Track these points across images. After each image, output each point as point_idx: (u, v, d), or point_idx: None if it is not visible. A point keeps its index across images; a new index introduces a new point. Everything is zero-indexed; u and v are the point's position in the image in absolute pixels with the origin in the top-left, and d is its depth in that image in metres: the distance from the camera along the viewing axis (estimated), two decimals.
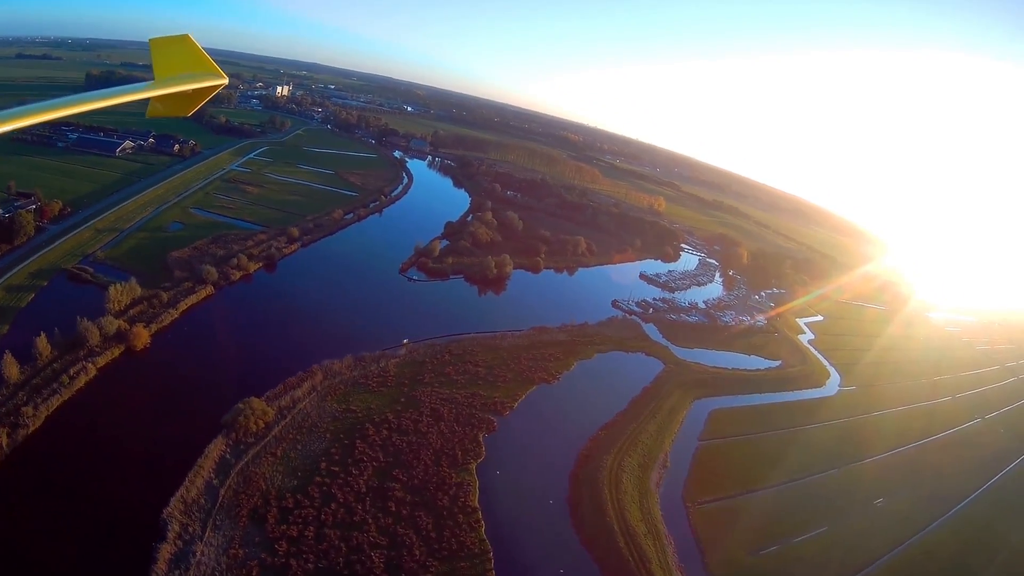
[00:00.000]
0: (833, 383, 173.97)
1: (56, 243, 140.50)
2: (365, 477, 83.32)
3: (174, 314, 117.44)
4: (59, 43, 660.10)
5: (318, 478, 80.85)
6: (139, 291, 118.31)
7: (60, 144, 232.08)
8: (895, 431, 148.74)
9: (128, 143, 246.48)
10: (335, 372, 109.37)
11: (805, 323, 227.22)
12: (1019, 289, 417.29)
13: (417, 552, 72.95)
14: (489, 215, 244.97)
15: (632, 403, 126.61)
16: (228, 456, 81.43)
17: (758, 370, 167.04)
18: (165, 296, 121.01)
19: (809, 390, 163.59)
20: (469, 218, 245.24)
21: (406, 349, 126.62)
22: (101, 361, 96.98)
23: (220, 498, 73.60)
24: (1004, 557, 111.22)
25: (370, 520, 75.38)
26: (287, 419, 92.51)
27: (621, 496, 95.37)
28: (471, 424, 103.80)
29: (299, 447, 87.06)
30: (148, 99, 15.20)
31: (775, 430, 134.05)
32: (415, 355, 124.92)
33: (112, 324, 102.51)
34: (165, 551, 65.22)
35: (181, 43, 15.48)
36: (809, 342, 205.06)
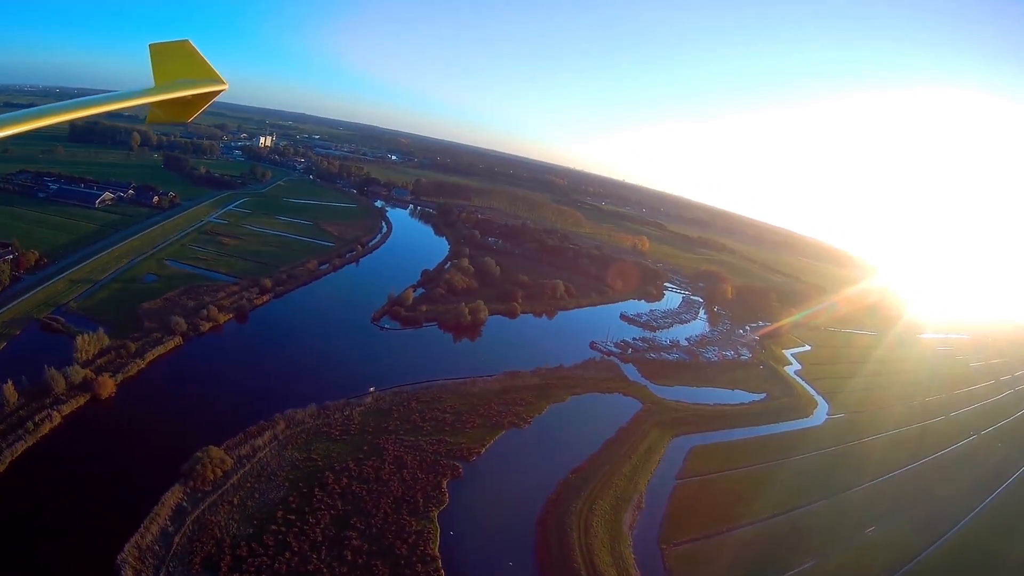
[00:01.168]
0: (821, 412, 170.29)
1: (30, 293, 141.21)
2: (322, 526, 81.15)
3: (141, 364, 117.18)
4: (47, 92, 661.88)
5: (274, 526, 79.17)
6: (107, 341, 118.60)
7: (41, 194, 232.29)
8: (886, 456, 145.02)
9: (108, 195, 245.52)
10: (298, 421, 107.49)
11: (792, 354, 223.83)
12: (1009, 303, 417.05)
13: None
14: (465, 262, 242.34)
15: (606, 445, 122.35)
16: (185, 504, 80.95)
17: (741, 404, 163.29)
18: (133, 346, 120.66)
19: (795, 421, 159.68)
20: (447, 266, 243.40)
21: (372, 397, 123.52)
22: (66, 409, 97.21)
23: (174, 545, 73.07)
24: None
25: (325, 569, 73.56)
26: (246, 467, 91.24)
27: (591, 540, 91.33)
28: (435, 471, 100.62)
29: (256, 495, 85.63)
30: (149, 107, 15.20)
31: (758, 464, 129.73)
32: (381, 403, 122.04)
33: (78, 373, 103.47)
34: None
35: (181, 48, 15.49)
36: (796, 373, 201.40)
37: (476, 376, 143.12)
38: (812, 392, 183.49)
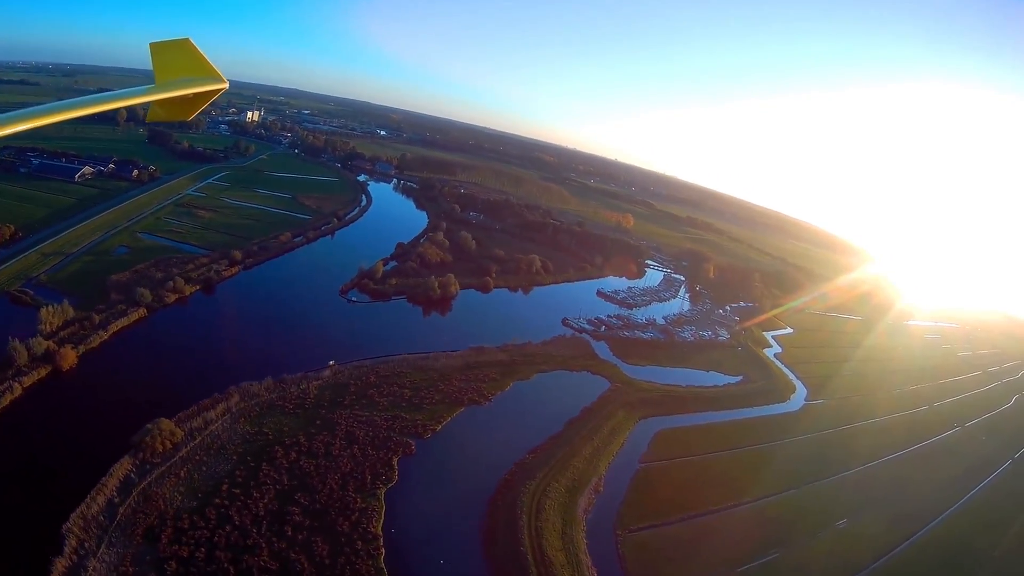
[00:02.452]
0: (799, 397, 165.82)
1: (2, 267, 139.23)
2: (265, 500, 79.63)
3: (104, 335, 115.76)
4: (39, 68, 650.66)
5: (217, 500, 78.09)
6: (72, 313, 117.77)
7: (22, 169, 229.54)
8: (864, 445, 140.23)
9: (87, 169, 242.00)
10: (253, 394, 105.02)
11: (772, 336, 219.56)
12: (1001, 294, 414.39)
13: None
14: (440, 235, 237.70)
15: (569, 425, 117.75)
16: (133, 475, 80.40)
17: (715, 386, 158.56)
18: (97, 318, 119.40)
19: (771, 406, 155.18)
20: (422, 239, 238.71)
21: (331, 371, 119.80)
22: (27, 381, 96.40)
23: (119, 516, 72.87)
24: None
25: (263, 544, 72.16)
26: (196, 440, 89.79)
27: (541, 524, 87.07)
28: (387, 448, 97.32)
29: (204, 468, 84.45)
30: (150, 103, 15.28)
31: (728, 450, 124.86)
32: (340, 377, 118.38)
33: (41, 345, 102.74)
34: (60, 565, 65.17)
35: (181, 47, 15.66)
36: (776, 356, 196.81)
37: (440, 351, 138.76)
38: (791, 376, 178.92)
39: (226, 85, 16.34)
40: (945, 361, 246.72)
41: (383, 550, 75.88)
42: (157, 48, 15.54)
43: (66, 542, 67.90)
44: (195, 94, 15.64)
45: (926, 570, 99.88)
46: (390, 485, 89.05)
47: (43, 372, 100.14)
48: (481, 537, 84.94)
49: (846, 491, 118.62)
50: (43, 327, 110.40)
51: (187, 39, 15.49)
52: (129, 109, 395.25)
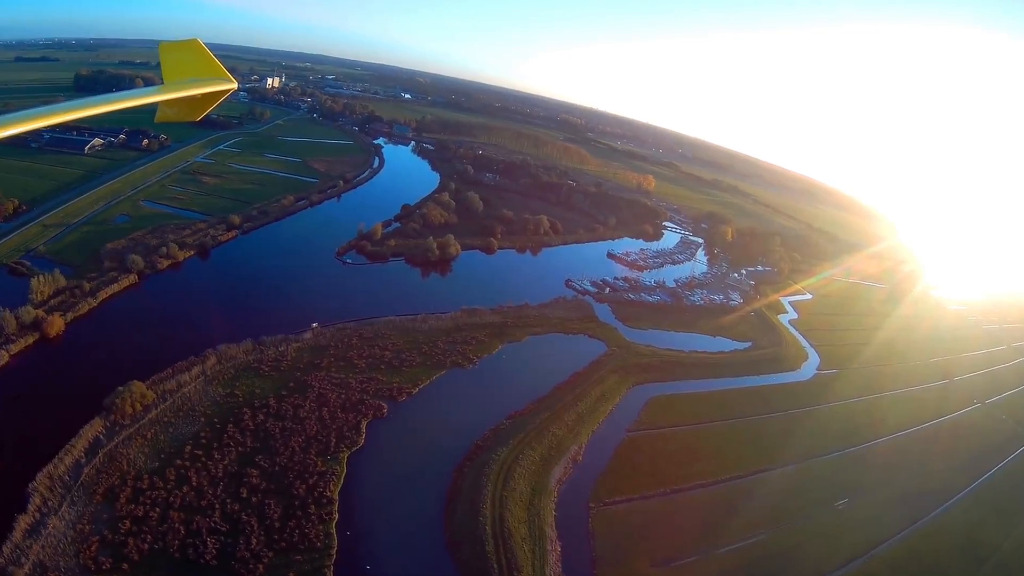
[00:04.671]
0: (810, 366, 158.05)
1: (3, 240, 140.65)
2: (226, 462, 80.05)
3: (92, 303, 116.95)
4: (62, 44, 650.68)
5: (179, 461, 78.96)
6: (63, 282, 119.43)
7: (33, 144, 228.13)
8: (874, 420, 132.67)
9: (97, 140, 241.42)
10: (230, 356, 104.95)
11: (789, 301, 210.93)
12: None
13: (254, 541, 68.99)
14: (446, 196, 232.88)
15: (555, 390, 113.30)
16: (102, 437, 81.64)
17: (721, 352, 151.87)
18: (88, 286, 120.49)
19: (779, 374, 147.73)
20: (428, 201, 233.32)
21: (312, 333, 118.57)
22: (15, 348, 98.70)
23: (83, 476, 74.38)
24: (990, 569, 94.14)
25: (217, 505, 72.77)
26: (167, 402, 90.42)
27: (507, 493, 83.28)
28: (357, 411, 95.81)
29: (171, 430, 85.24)
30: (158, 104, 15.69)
31: (725, 420, 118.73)
32: (321, 339, 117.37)
33: (30, 314, 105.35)
34: (23, 522, 67.14)
35: (190, 48, 16.09)
36: (790, 322, 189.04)
37: (429, 313, 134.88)
38: (804, 344, 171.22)
39: (235, 85, 16.19)
40: (971, 334, 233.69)
41: (336, 515, 74.70)
42: (166, 48, 15.79)
43: (31, 500, 69.55)
44: (204, 94, 15.63)
45: (931, 558, 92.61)
46: (355, 449, 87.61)
47: (31, 340, 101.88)
48: (442, 505, 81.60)
49: (849, 469, 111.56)
50: (34, 296, 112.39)
51: (195, 40, 15.70)
52: (145, 79, 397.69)
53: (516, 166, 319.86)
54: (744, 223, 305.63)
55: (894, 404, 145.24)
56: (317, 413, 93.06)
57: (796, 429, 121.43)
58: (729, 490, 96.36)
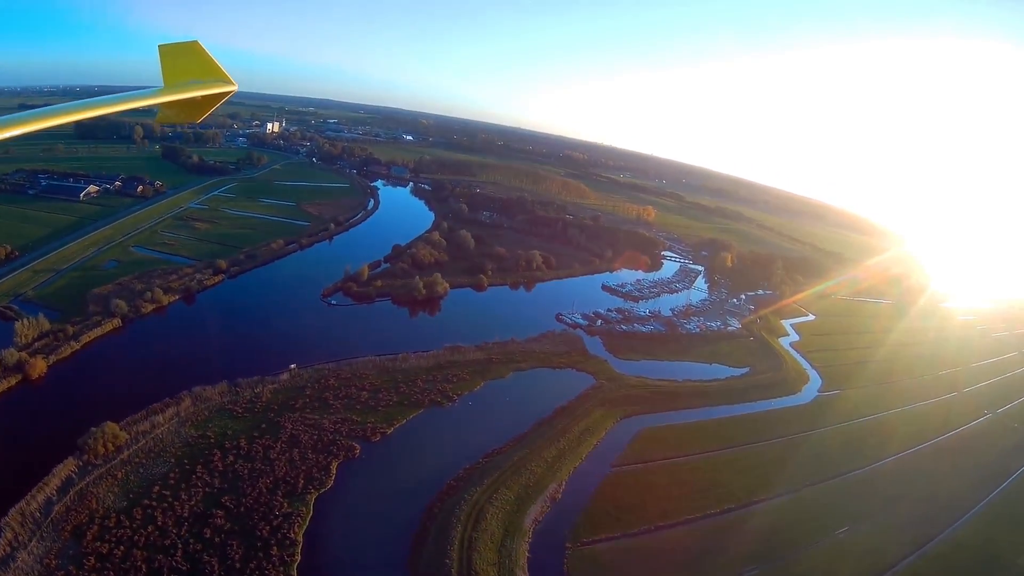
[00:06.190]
0: (811, 389, 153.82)
1: None
2: (192, 503, 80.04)
3: (75, 346, 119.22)
4: (67, 91, 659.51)
5: (147, 501, 79.44)
6: (48, 326, 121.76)
7: (31, 191, 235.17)
8: (879, 439, 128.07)
9: (92, 187, 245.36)
10: (205, 398, 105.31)
11: (791, 324, 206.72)
12: None
13: None
14: (436, 235, 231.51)
15: (536, 426, 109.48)
16: (74, 476, 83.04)
17: (716, 380, 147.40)
18: (71, 330, 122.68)
19: (778, 399, 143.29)
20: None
21: (289, 374, 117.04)
22: None
23: (53, 513, 75.84)
24: None
25: (180, 545, 72.73)
26: (140, 443, 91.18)
27: (477, 534, 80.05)
28: (329, 451, 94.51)
29: (141, 471, 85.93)
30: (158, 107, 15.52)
31: (718, 450, 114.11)
32: (298, 380, 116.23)
33: (13, 356, 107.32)
34: None
35: (190, 49, 15.88)
36: (791, 344, 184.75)
37: (411, 351, 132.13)
38: (805, 366, 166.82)
39: (235, 87, 15.97)
40: (979, 343, 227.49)
41: (299, 557, 73.48)
42: (165, 50, 15.62)
43: (2, 535, 71.36)
44: (204, 96, 15.48)
45: None
46: (323, 490, 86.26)
47: (13, 381, 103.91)
48: (408, 548, 78.43)
49: (851, 494, 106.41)
50: (18, 339, 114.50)
51: (195, 41, 15.51)
52: (145, 126, 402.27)
53: (513, 203, 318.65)
54: (746, 248, 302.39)
55: (900, 421, 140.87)
56: (287, 454, 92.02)
57: (794, 455, 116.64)
58: (720, 524, 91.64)
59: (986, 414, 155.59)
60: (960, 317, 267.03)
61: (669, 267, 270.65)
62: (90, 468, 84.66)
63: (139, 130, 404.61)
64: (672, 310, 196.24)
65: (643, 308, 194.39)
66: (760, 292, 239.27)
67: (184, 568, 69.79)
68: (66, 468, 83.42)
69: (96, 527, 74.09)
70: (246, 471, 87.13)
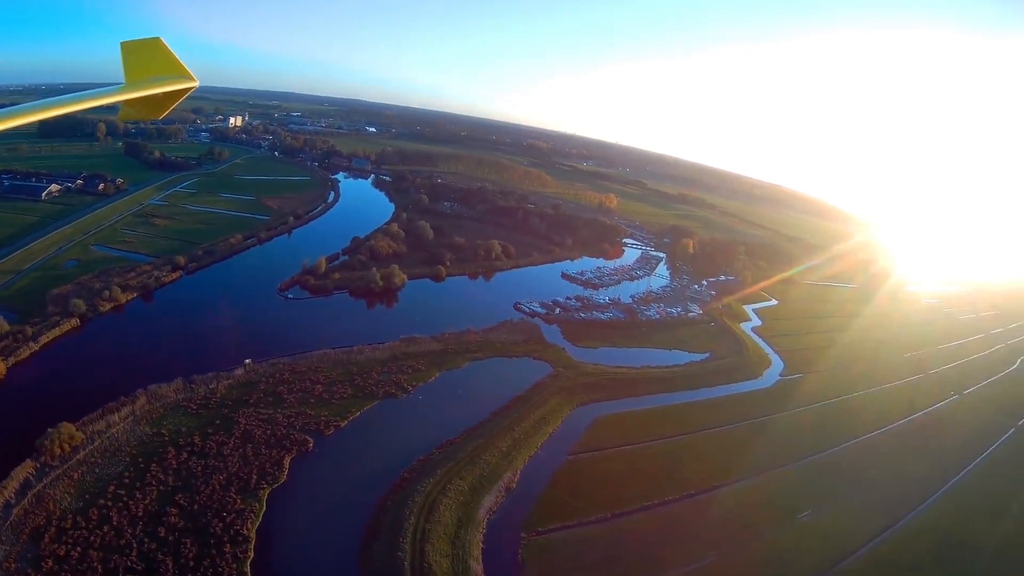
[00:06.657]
0: (773, 373, 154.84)
1: None
2: (147, 501, 79.18)
3: (34, 347, 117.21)
4: (32, 90, 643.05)
5: (102, 501, 78.69)
6: (6, 327, 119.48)
7: None
8: (843, 422, 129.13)
9: (54, 187, 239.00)
10: (160, 396, 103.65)
11: (753, 309, 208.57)
12: (1005, 257, 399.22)
13: None
14: (395, 226, 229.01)
15: (492, 416, 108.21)
16: (32, 478, 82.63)
17: (676, 366, 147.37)
18: (30, 331, 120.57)
19: (738, 384, 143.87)
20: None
21: (244, 370, 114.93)
22: None
23: (11, 516, 75.36)
24: (979, 569, 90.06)
25: (135, 544, 72.21)
26: (96, 443, 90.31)
27: (431, 526, 78.98)
28: (282, 446, 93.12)
29: (96, 471, 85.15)
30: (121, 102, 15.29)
31: (677, 435, 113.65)
32: (252, 375, 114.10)
33: None
34: None
35: (152, 46, 15.78)
36: (753, 329, 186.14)
37: (367, 344, 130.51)
38: (767, 350, 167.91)
39: (196, 84, 16.00)
40: (945, 325, 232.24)
41: (252, 553, 72.59)
42: (128, 47, 15.53)
43: None
44: (166, 93, 15.50)
45: (906, 568, 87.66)
46: (276, 485, 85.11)
47: None
48: (361, 540, 77.27)
49: (812, 478, 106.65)
50: None
51: (158, 38, 15.47)
52: (108, 123, 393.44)
53: (474, 193, 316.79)
54: (709, 235, 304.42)
55: (867, 404, 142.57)
56: (241, 450, 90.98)
57: (756, 439, 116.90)
58: (679, 510, 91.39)
59: (953, 395, 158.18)
60: (926, 301, 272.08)
61: (631, 254, 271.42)
62: (47, 470, 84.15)
63: (102, 127, 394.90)
64: (632, 297, 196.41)
65: (603, 296, 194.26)
66: (722, 278, 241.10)
67: (139, 568, 69.60)
68: (24, 471, 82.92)
69: (54, 529, 73.86)
70: (200, 468, 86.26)
